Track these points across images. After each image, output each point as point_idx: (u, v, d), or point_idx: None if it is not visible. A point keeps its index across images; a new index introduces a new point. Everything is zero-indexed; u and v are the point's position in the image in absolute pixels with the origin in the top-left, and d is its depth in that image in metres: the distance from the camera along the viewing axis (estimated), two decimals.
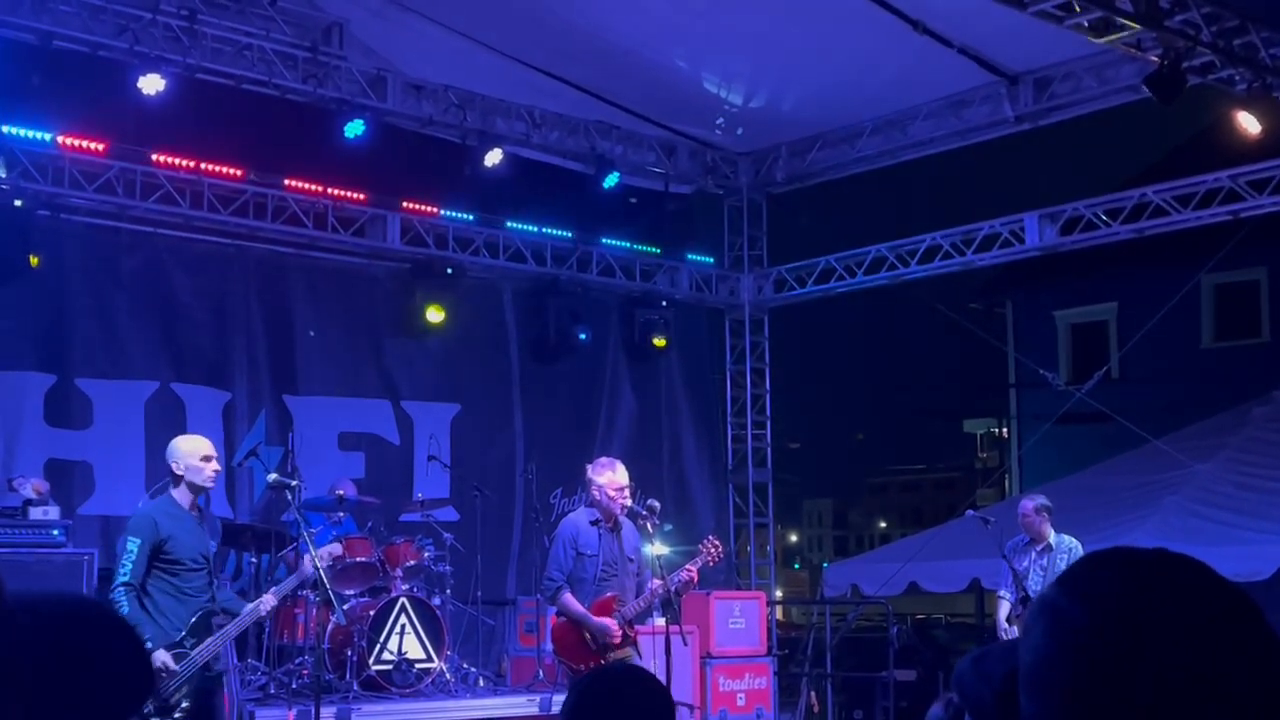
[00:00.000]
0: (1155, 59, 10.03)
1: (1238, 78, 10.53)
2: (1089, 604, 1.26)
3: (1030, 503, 10.15)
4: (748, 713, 12.08)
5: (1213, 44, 9.98)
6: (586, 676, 2.96)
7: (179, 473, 6.96)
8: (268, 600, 7.24)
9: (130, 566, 6.72)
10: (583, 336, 14.24)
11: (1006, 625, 9.99)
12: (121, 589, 6.69)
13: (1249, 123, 10.68)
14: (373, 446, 13.08)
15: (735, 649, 12.14)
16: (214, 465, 7.04)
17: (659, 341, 14.72)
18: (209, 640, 6.86)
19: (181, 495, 6.97)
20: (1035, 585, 9.74)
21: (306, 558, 7.43)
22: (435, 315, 13.20)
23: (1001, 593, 10.30)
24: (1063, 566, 10.19)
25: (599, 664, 7.84)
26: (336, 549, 7.99)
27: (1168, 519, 12.91)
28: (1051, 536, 9.96)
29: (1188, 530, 12.61)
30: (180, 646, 6.77)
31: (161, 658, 6.59)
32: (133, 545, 6.75)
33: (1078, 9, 9.55)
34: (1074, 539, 10.00)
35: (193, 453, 7.00)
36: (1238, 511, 12.95)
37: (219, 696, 7.16)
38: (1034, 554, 10.01)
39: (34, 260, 10.86)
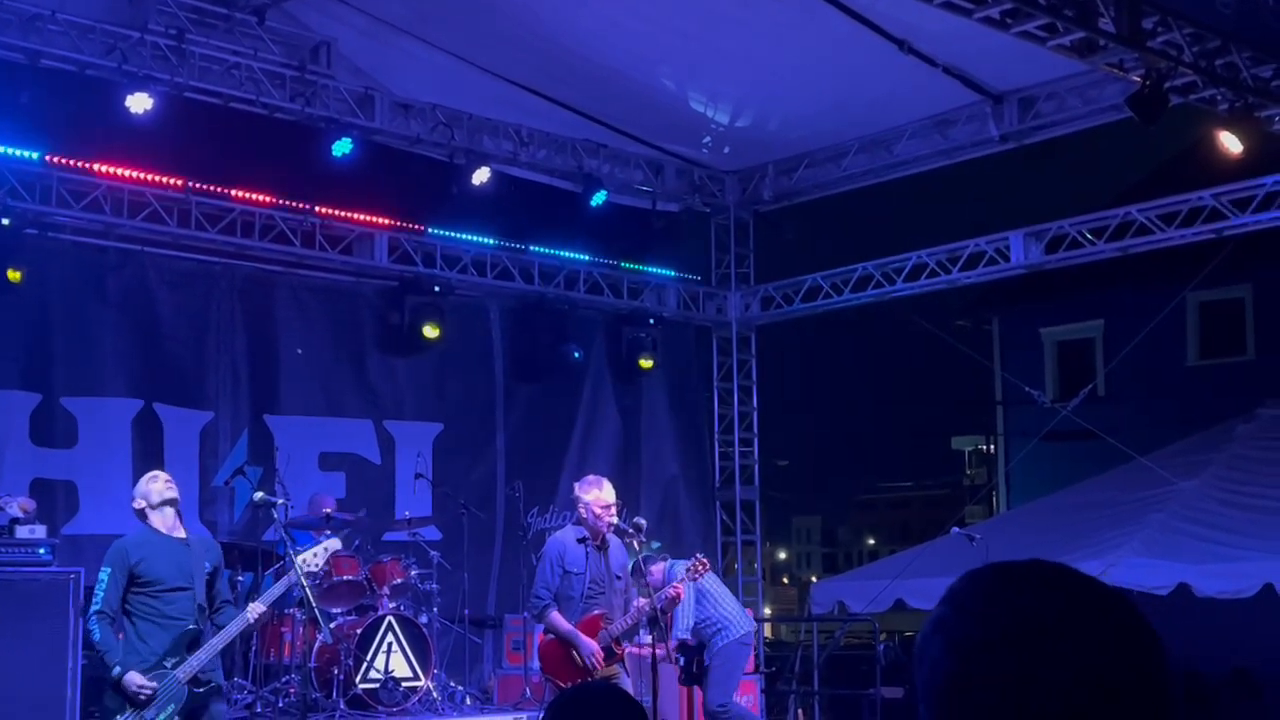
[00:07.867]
0: (1138, 79, 10.10)
1: (1220, 97, 10.59)
2: (983, 620, 1.35)
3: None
4: None
5: (1195, 64, 10.04)
6: (560, 696, 2.96)
7: (140, 507, 7.17)
8: (256, 608, 7.23)
9: (102, 595, 6.90)
10: (577, 355, 14.23)
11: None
12: (94, 617, 6.90)
13: (1231, 142, 10.73)
14: (354, 466, 13.02)
15: None
16: (162, 478, 7.26)
17: (645, 363, 14.69)
18: (191, 656, 6.88)
19: (157, 520, 7.11)
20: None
21: (292, 572, 7.42)
22: (423, 333, 13.19)
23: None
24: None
25: (586, 681, 7.85)
26: (335, 543, 7.80)
27: (1153, 536, 12.93)
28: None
29: (1173, 547, 12.63)
30: (160, 667, 6.83)
31: (134, 680, 6.72)
32: (104, 574, 6.95)
33: (1060, 30, 9.60)
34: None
35: (144, 482, 7.29)
36: (1222, 529, 12.97)
37: (218, 707, 7.18)
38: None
39: (14, 275, 10.81)
